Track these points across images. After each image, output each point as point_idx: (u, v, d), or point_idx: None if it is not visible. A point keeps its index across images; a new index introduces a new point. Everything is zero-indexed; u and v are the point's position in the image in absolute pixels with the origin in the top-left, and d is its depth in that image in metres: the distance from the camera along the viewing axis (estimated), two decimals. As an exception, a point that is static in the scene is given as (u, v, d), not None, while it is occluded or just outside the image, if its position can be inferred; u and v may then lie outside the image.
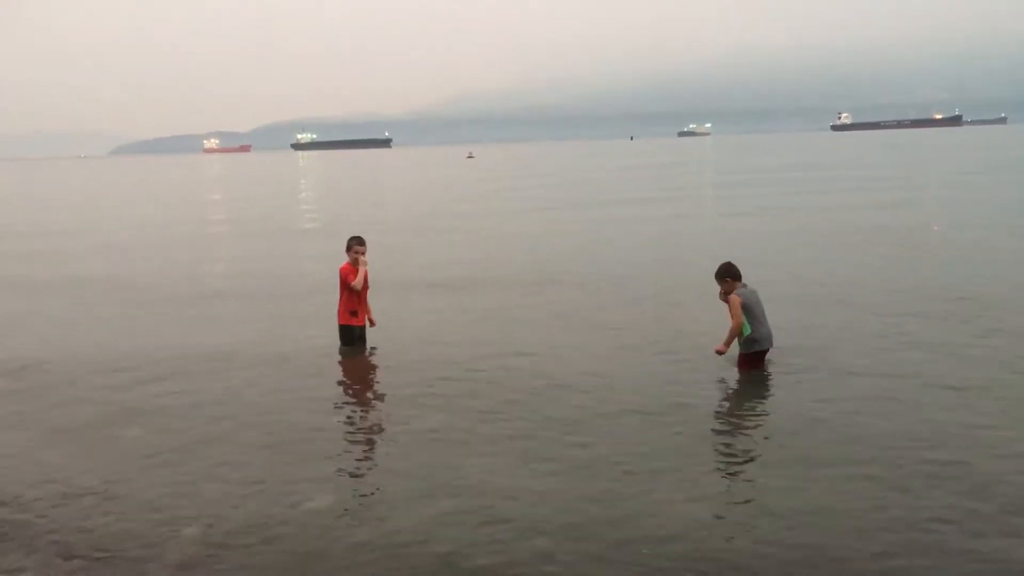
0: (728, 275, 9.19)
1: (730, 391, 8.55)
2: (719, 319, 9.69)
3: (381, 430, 7.83)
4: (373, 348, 10.52)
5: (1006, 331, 10.28)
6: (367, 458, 7.13)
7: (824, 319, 11.17)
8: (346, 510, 6.10)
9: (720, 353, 9.07)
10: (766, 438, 7.21)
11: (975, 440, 6.93)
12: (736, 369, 9.00)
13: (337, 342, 10.53)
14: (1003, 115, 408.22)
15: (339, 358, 10.20)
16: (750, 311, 9.01)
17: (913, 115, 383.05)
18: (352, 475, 6.78)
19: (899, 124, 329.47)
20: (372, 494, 6.40)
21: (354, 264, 10.40)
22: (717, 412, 7.97)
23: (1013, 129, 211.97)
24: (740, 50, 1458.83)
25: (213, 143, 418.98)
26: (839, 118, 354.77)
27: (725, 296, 9.20)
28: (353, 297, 10.45)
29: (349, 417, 8.29)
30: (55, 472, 6.91)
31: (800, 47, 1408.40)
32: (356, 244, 10.44)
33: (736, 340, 9.03)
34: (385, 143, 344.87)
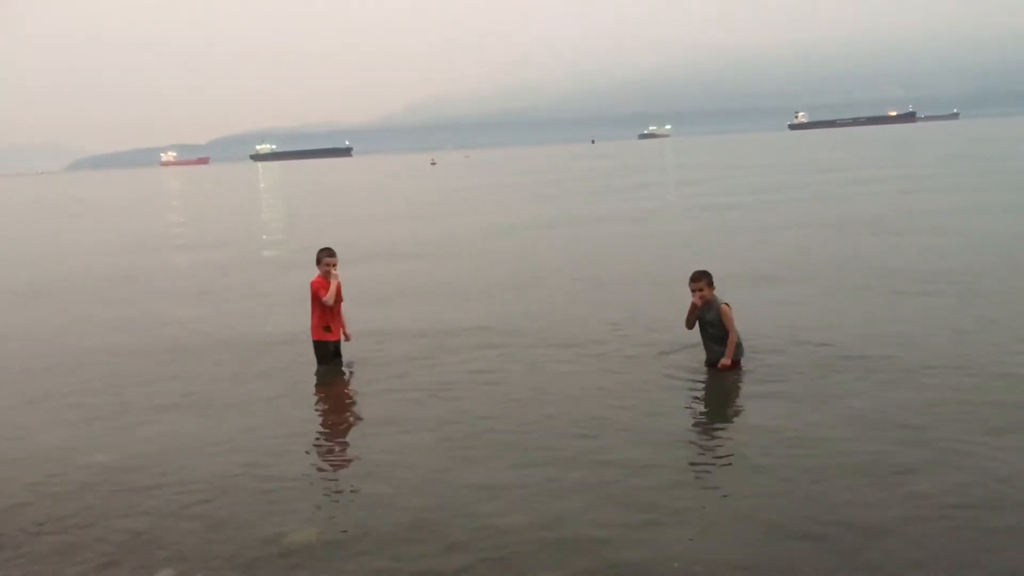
0: (710, 280, 8.96)
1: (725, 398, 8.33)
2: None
3: (366, 453, 7.43)
4: (350, 363, 10.16)
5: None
6: (352, 490, 6.67)
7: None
8: (330, 542, 5.73)
9: (726, 367, 8.77)
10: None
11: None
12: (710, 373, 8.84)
13: (312, 360, 10.16)
14: (955, 111, 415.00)
15: (315, 378, 9.81)
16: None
17: (869, 112, 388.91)
18: (336, 505, 6.40)
19: (855, 122, 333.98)
20: (357, 526, 5.99)
21: (325, 277, 10.03)
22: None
23: (964, 124, 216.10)
24: (698, 52, 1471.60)
25: (171, 156, 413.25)
26: (796, 117, 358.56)
27: (702, 299, 8.88)
28: (326, 311, 10.07)
29: (332, 439, 7.91)
30: None
31: (757, 46, 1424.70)
32: (326, 256, 10.07)
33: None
34: (346, 152, 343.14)
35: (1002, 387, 8.01)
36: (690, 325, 9.15)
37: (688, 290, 9.08)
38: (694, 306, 8.98)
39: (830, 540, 5.36)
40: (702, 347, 9.15)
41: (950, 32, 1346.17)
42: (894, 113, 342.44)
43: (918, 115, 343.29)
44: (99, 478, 7.01)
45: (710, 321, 8.94)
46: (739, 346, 8.91)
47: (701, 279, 8.90)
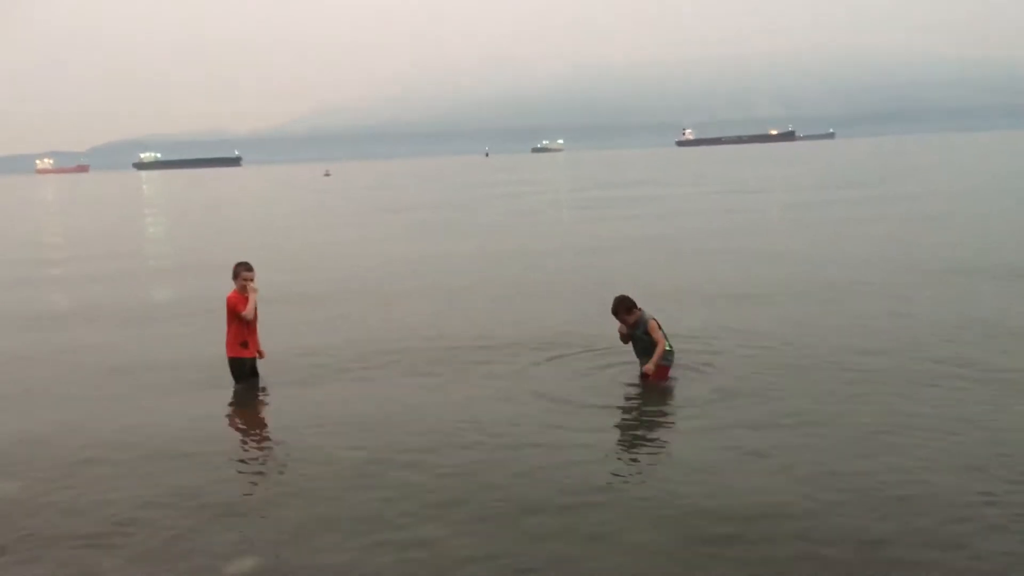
0: (632, 307, 9.18)
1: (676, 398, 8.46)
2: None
3: (295, 473, 7.20)
4: (264, 384, 9.82)
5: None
6: (284, 516, 6.45)
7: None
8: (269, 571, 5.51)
9: (647, 375, 9.03)
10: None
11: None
12: (647, 382, 9.03)
13: (227, 378, 9.80)
14: (831, 130, 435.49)
15: (231, 397, 9.46)
16: (662, 329, 9.21)
17: (752, 131, 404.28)
18: (270, 533, 6.14)
19: (739, 139, 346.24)
20: (294, 555, 5.78)
21: (242, 292, 9.71)
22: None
23: (839, 143, 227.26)
24: (589, 67, 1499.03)
25: (47, 163, 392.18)
26: (683, 134, 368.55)
27: (630, 327, 9.19)
28: (243, 327, 9.73)
29: (258, 462, 7.63)
30: None
31: (647, 64, 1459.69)
32: (244, 270, 9.75)
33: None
34: (235, 162, 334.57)
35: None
36: (625, 341, 9.43)
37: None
38: (621, 332, 9.34)
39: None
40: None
41: (827, 52, 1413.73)
42: (775, 132, 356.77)
43: (797, 134, 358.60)
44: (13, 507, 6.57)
45: (639, 336, 9.24)
46: (669, 353, 9.18)
47: (619, 311, 9.20)
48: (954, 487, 6.29)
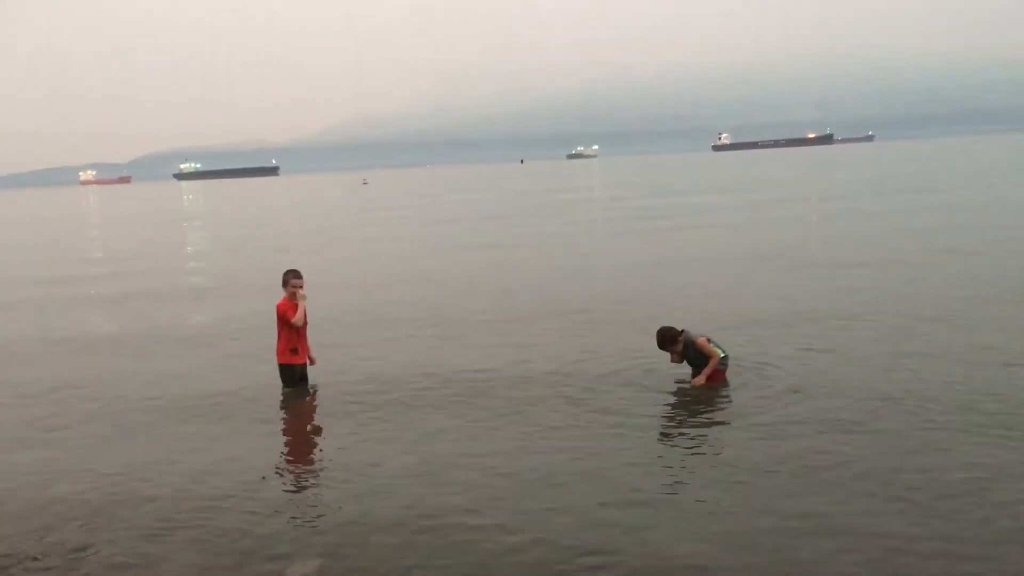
0: (675, 336, 9.27)
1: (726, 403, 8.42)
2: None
3: (354, 475, 7.29)
4: (314, 386, 9.98)
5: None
6: (343, 516, 6.55)
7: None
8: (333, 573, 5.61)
9: (698, 384, 9.13)
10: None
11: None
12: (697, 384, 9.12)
13: (279, 383, 9.94)
14: (870, 133, 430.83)
15: (281, 400, 9.61)
16: (712, 341, 9.31)
17: (788, 134, 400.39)
18: (329, 533, 6.24)
19: (776, 143, 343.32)
20: (357, 556, 5.88)
21: (291, 299, 9.86)
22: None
23: (879, 146, 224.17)
24: (624, 73, 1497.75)
25: (90, 175, 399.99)
26: (719, 139, 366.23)
27: (680, 356, 9.30)
28: (293, 334, 9.88)
29: (312, 464, 7.78)
30: None
31: (682, 69, 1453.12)
32: (293, 278, 9.90)
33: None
34: (272, 171, 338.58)
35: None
36: (677, 362, 9.46)
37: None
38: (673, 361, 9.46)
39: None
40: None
41: (865, 54, 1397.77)
42: (812, 135, 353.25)
43: (835, 137, 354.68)
44: (79, 511, 6.75)
45: (693, 357, 9.33)
46: (724, 358, 9.28)
47: (664, 344, 9.32)
48: None
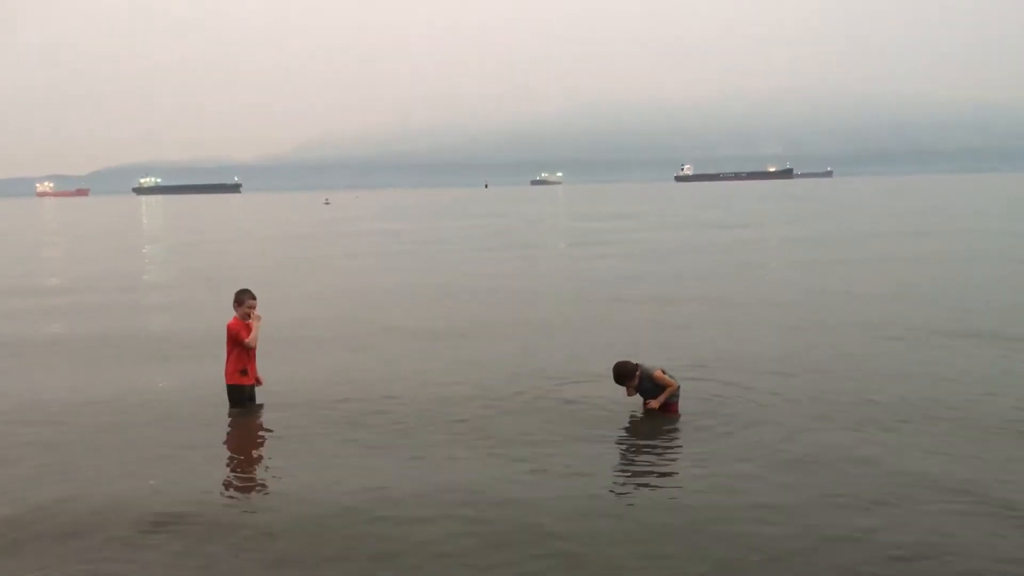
0: (632, 372, 9.32)
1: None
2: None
3: (301, 494, 7.32)
4: (260, 405, 9.97)
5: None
6: (295, 538, 6.60)
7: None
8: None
9: (652, 408, 9.29)
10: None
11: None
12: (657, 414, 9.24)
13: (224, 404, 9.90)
14: (829, 169, 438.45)
15: (228, 421, 9.57)
16: (667, 372, 9.46)
17: (750, 167, 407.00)
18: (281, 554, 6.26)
19: (736, 176, 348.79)
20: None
21: (244, 319, 9.84)
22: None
23: (837, 182, 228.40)
24: (590, 103, 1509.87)
25: (47, 186, 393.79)
26: (682, 169, 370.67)
27: (635, 389, 9.37)
28: (244, 355, 9.85)
29: (261, 485, 7.77)
30: None
31: (648, 100, 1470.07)
32: (248, 298, 9.89)
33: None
34: (234, 188, 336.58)
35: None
36: (631, 394, 9.53)
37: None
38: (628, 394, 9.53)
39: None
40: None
41: (826, 92, 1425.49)
42: (773, 169, 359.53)
43: (795, 172, 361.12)
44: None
45: (648, 389, 9.40)
46: (678, 389, 9.41)
47: (621, 380, 9.37)
48: None
